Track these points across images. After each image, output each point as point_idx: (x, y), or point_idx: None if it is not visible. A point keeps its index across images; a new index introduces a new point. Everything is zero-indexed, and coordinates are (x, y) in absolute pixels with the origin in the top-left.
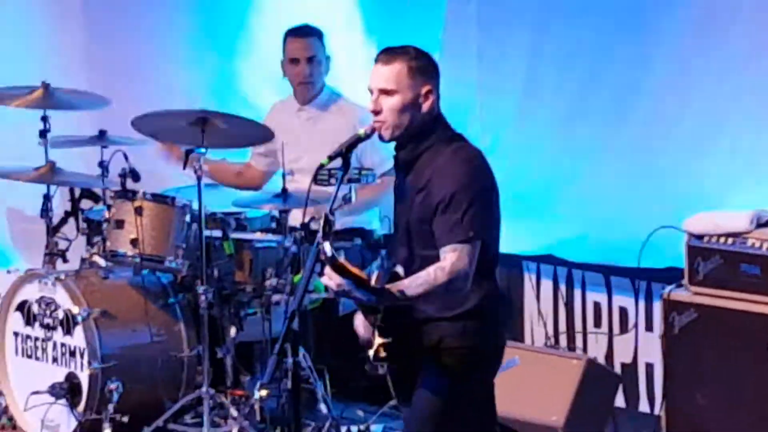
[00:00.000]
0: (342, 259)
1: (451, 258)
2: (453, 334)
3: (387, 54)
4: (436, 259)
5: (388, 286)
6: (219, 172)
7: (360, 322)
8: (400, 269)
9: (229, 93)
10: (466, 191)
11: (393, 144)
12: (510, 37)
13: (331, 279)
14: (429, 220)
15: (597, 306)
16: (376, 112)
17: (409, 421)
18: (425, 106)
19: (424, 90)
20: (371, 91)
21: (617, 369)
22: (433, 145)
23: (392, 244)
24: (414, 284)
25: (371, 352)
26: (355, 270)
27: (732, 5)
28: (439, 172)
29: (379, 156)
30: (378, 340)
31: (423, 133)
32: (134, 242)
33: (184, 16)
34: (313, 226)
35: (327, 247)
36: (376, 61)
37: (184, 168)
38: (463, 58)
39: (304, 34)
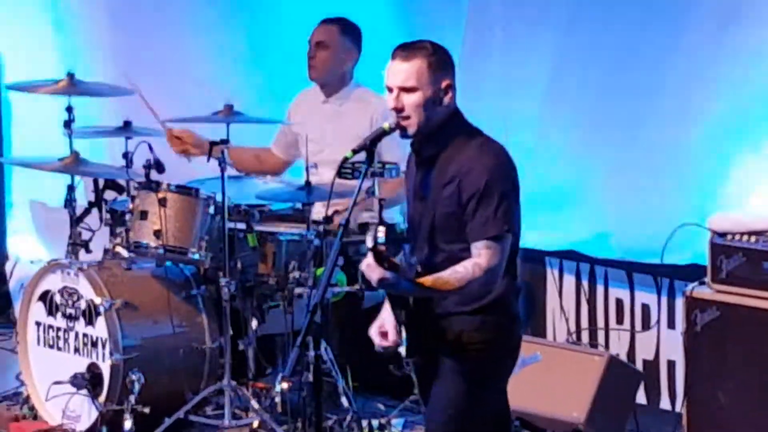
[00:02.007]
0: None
1: (486, 255)
2: (471, 327)
3: (405, 50)
4: (461, 252)
5: (427, 278)
6: (238, 159)
7: (375, 330)
8: (419, 268)
9: (256, 84)
10: (497, 185)
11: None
12: (534, 36)
13: (371, 269)
14: (456, 214)
15: (619, 302)
16: (399, 110)
17: (428, 414)
18: (446, 101)
19: (444, 84)
20: (390, 89)
21: (639, 366)
22: (454, 140)
23: (412, 240)
24: (453, 278)
25: (403, 349)
26: (395, 260)
27: (755, 6)
28: (469, 165)
29: (400, 151)
30: (406, 335)
31: (444, 129)
32: (157, 233)
33: (209, 6)
34: (336, 219)
35: (381, 232)
36: (393, 57)
37: (209, 160)
38: (486, 56)
39: (325, 21)
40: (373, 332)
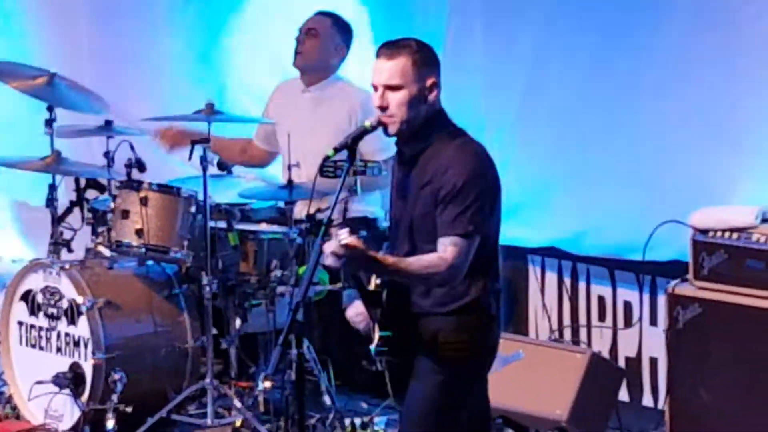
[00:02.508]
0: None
1: (452, 251)
2: (448, 328)
3: (389, 48)
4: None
5: (390, 258)
6: (223, 149)
7: (354, 314)
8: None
9: (235, 81)
10: (472, 185)
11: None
12: (515, 32)
13: (336, 252)
14: (433, 214)
15: (601, 300)
16: (383, 108)
17: (404, 413)
18: (431, 98)
19: (428, 82)
20: (375, 87)
21: (621, 363)
22: (436, 139)
23: (392, 239)
24: (416, 264)
25: (373, 347)
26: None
27: (740, 1)
28: (447, 165)
29: (376, 145)
30: (379, 333)
31: (427, 128)
32: (139, 232)
33: (189, 6)
34: (319, 217)
35: (344, 234)
36: (378, 55)
37: (190, 159)
38: (468, 52)
39: (320, 12)
40: (352, 313)
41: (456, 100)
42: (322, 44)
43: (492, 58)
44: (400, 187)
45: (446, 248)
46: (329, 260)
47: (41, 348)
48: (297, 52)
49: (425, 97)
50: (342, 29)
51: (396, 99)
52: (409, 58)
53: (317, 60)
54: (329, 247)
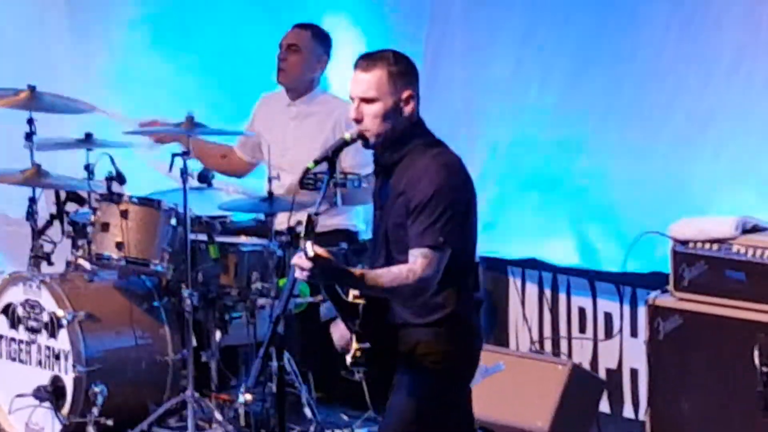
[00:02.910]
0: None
1: (421, 263)
2: (427, 339)
3: (366, 60)
4: None
5: (357, 269)
6: (204, 154)
7: (336, 331)
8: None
9: (218, 94)
10: (441, 197)
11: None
12: (495, 37)
13: (301, 266)
14: (405, 225)
15: (582, 311)
16: (358, 120)
17: (384, 425)
18: (406, 111)
19: (404, 95)
20: (353, 99)
21: (602, 374)
22: (413, 150)
23: (371, 249)
24: (385, 276)
25: (349, 357)
26: (325, 253)
27: (718, 8)
28: (417, 176)
29: (358, 159)
30: (356, 345)
31: (404, 139)
32: (119, 245)
33: (171, 18)
34: (299, 230)
35: (309, 247)
36: (356, 67)
37: (170, 171)
38: (448, 57)
39: (297, 25)
40: (335, 330)
41: (435, 107)
42: (305, 59)
43: (472, 67)
44: (377, 198)
45: (416, 260)
46: (296, 273)
47: (22, 361)
48: (280, 69)
49: (401, 110)
50: (322, 40)
51: (370, 111)
52: (384, 70)
53: (301, 75)
54: (295, 260)
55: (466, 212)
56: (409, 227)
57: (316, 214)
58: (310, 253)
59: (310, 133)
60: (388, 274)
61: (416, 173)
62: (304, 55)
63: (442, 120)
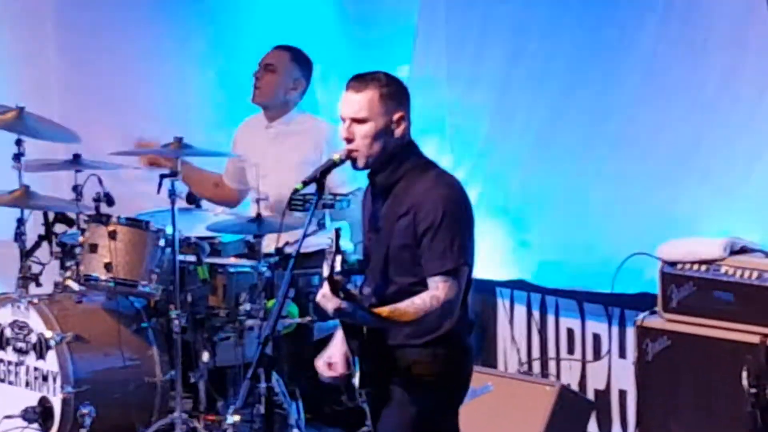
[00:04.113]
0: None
1: (443, 288)
2: (423, 359)
3: (357, 81)
4: (413, 286)
5: (384, 309)
6: (196, 182)
7: (322, 362)
8: (373, 299)
9: (206, 115)
10: (452, 218)
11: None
12: (481, 58)
13: (327, 299)
14: (411, 247)
15: (570, 332)
16: (349, 140)
17: None
18: (398, 132)
19: (396, 116)
20: (343, 120)
21: (590, 396)
22: (409, 171)
23: (364, 271)
24: (410, 310)
25: (356, 380)
26: (352, 291)
27: (705, 30)
28: (424, 198)
29: (340, 178)
30: (362, 368)
31: (397, 160)
32: (108, 266)
33: (159, 39)
34: (287, 251)
35: (338, 262)
36: (347, 88)
37: (158, 192)
38: (434, 79)
39: (277, 47)
40: (320, 363)
41: (422, 128)
42: (280, 79)
43: (458, 84)
44: (373, 219)
45: (438, 285)
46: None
47: (10, 382)
48: (255, 87)
49: (392, 131)
50: (301, 63)
51: (361, 132)
52: (376, 91)
53: (274, 95)
54: (329, 303)
55: (473, 231)
56: (424, 251)
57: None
58: (337, 269)
59: (289, 153)
60: (412, 306)
61: (420, 195)
62: (279, 75)
63: (427, 143)
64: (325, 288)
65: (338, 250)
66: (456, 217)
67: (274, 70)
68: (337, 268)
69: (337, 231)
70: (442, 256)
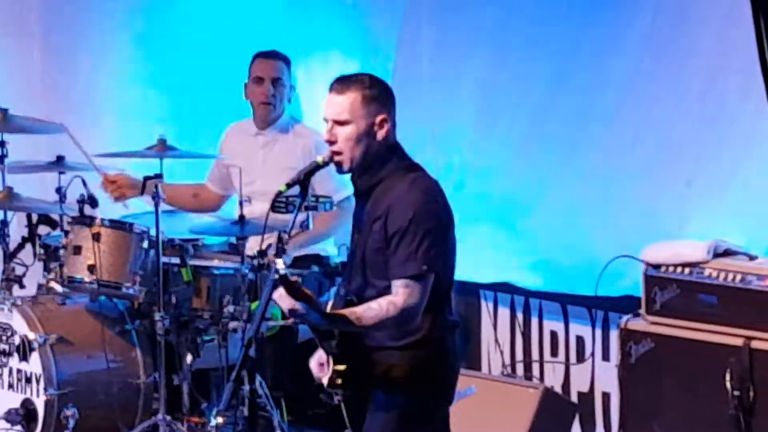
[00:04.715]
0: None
1: (403, 294)
2: (403, 362)
3: (340, 83)
4: (387, 290)
5: (340, 311)
6: (173, 196)
7: (315, 362)
8: (353, 297)
9: (189, 117)
10: (421, 223)
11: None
12: (463, 63)
13: (282, 299)
14: (383, 250)
15: (554, 335)
16: (331, 143)
17: None
18: (380, 135)
19: (378, 119)
20: (326, 121)
21: (574, 398)
22: (390, 174)
23: (347, 272)
24: (366, 314)
25: (326, 380)
26: (308, 292)
27: (689, 35)
28: (396, 202)
29: (333, 184)
30: (333, 368)
31: (379, 162)
32: (91, 268)
33: (143, 41)
34: (270, 252)
35: (280, 264)
36: (330, 90)
37: (142, 194)
38: (416, 84)
39: (272, 56)
40: (313, 364)
41: (404, 133)
42: (285, 91)
43: (440, 89)
44: (356, 221)
45: (398, 290)
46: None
47: None
48: (268, 104)
49: (374, 133)
50: (291, 67)
51: (343, 134)
52: (358, 93)
53: (283, 107)
54: (284, 303)
55: (445, 237)
56: (390, 255)
57: (286, 232)
58: (282, 271)
59: (278, 161)
60: (368, 311)
61: (394, 198)
62: (285, 87)
63: (410, 146)
64: (281, 288)
65: (279, 254)
66: (424, 223)
67: (282, 83)
68: (282, 270)
69: (279, 235)
70: (405, 262)
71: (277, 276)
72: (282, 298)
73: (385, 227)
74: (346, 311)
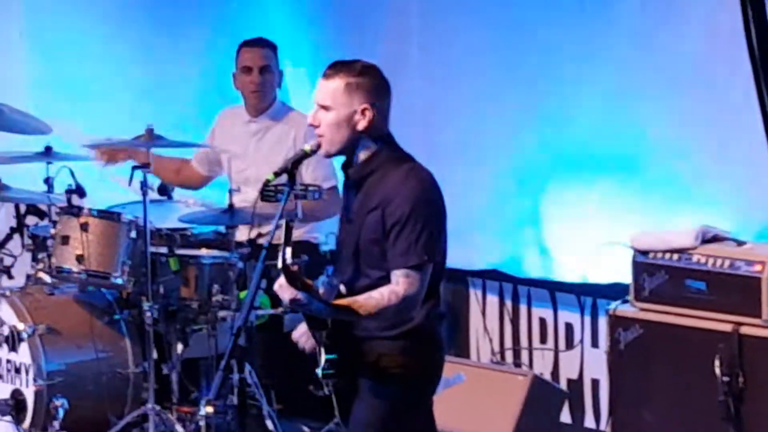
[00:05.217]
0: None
1: (404, 283)
2: (393, 352)
3: (332, 68)
4: (380, 280)
5: (341, 301)
6: (159, 168)
7: (300, 335)
8: (342, 288)
9: (179, 107)
10: (419, 213)
11: (339, 162)
12: (454, 51)
13: (284, 290)
14: (380, 241)
15: (543, 322)
16: (315, 126)
17: None
18: (361, 125)
19: (360, 107)
20: (315, 104)
21: (563, 385)
22: (382, 165)
23: (337, 262)
24: (368, 303)
25: (319, 370)
26: (308, 281)
27: (676, 25)
28: (393, 193)
29: (321, 172)
30: (324, 357)
31: (368, 152)
32: (80, 258)
33: (131, 32)
34: (260, 242)
35: (288, 253)
36: (322, 74)
37: (130, 184)
38: (403, 74)
39: (259, 44)
40: (297, 334)
41: (394, 125)
42: (274, 78)
43: (428, 79)
44: (346, 211)
45: (398, 280)
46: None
47: None
48: (258, 92)
49: (354, 122)
50: (277, 53)
51: (325, 119)
52: (344, 80)
53: (273, 95)
54: (285, 293)
55: (442, 227)
56: (389, 246)
57: (291, 220)
58: (288, 260)
59: (270, 148)
60: (369, 300)
61: (390, 190)
62: (273, 74)
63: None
64: (281, 278)
65: (288, 242)
66: (424, 213)
67: (270, 70)
68: (289, 258)
69: (288, 223)
70: (406, 252)
71: (281, 264)
72: (283, 289)
73: (382, 218)
74: (347, 300)
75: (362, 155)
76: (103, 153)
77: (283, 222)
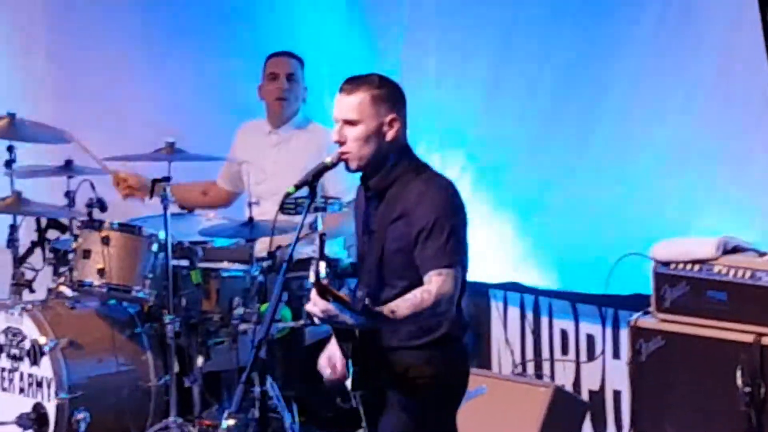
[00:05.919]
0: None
1: (436, 281)
2: (419, 362)
3: (351, 83)
4: (406, 290)
5: (379, 308)
6: (183, 195)
7: (324, 360)
8: (367, 299)
9: (200, 121)
10: (446, 219)
11: (358, 174)
12: (469, 63)
13: (315, 305)
14: (407, 250)
15: (564, 333)
16: (341, 143)
17: None
18: (389, 135)
19: (387, 119)
20: (336, 122)
21: (585, 396)
22: (402, 175)
23: (359, 273)
24: (402, 305)
25: (349, 382)
26: (339, 293)
27: (697, 32)
28: (416, 202)
29: (344, 185)
30: (353, 369)
31: (390, 163)
32: (101, 272)
33: (150, 42)
34: (280, 255)
35: (322, 267)
36: (341, 90)
37: (151, 197)
38: (422, 84)
39: (286, 54)
40: (323, 363)
41: (411, 133)
42: (299, 88)
43: (447, 89)
44: (366, 222)
45: (431, 279)
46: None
47: (4, 389)
48: (282, 99)
49: (384, 134)
50: (303, 67)
51: (352, 134)
52: (368, 93)
53: (297, 104)
54: (317, 307)
55: (466, 233)
56: (418, 255)
57: (323, 234)
58: (323, 274)
59: (290, 160)
60: (404, 303)
61: (413, 199)
62: (299, 84)
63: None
64: (314, 295)
65: (322, 256)
66: (449, 219)
67: (295, 79)
68: (323, 273)
69: (321, 236)
70: (435, 255)
71: (314, 278)
72: (315, 304)
73: (407, 228)
74: (380, 307)
75: (383, 166)
76: (122, 187)
77: (303, 234)
